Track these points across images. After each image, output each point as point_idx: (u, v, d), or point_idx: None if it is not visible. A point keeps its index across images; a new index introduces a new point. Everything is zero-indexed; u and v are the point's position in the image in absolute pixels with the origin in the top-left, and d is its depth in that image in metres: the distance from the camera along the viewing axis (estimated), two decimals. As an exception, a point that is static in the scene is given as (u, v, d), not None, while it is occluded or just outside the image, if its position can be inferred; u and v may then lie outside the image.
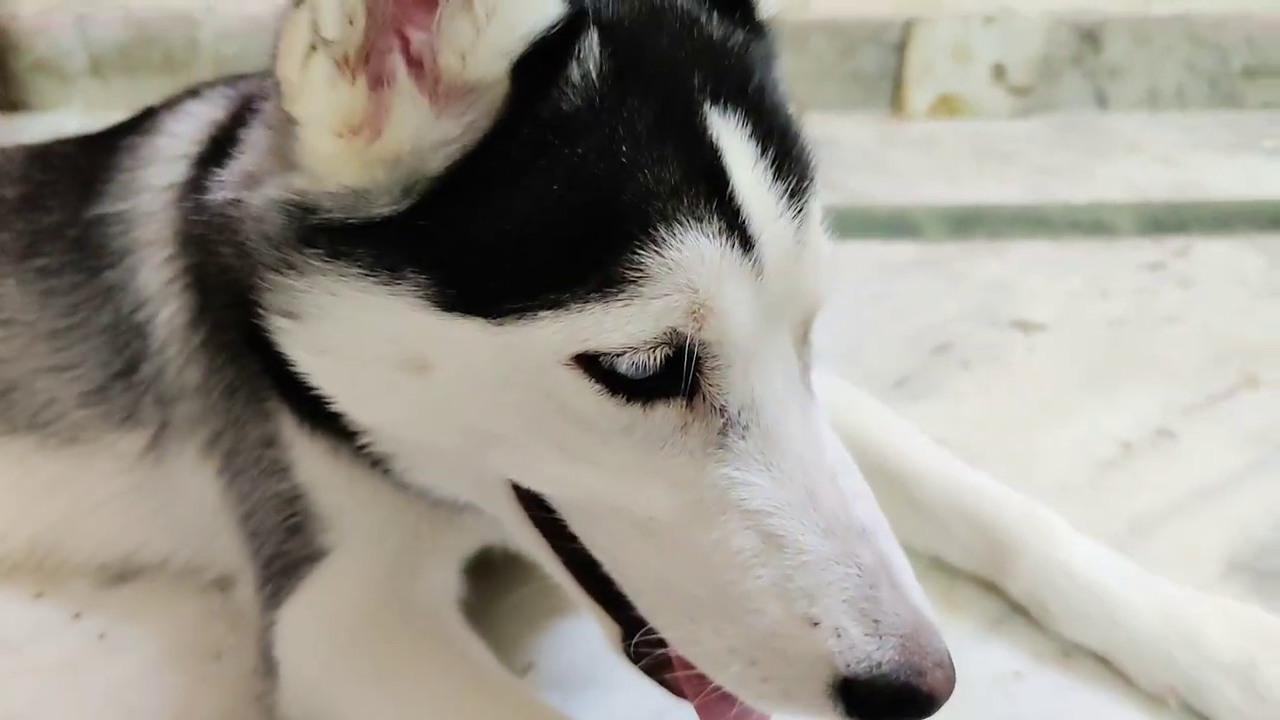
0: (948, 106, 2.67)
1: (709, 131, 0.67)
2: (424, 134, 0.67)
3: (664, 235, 0.63)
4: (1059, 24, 2.62)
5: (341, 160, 0.69)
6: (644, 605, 0.74)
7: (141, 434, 1.11)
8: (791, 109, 0.77)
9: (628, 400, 0.67)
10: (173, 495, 1.13)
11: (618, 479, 0.69)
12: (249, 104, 1.04)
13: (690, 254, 0.63)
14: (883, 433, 1.19)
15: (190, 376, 1.06)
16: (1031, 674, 1.05)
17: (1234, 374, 1.53)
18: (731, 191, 0.66)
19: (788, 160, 0.71)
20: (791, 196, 0.70)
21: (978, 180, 2.30)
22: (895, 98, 2.71)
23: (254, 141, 0.81)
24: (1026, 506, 1.11)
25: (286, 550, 1.00)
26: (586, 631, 1.07)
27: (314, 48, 0.67)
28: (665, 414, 0.68)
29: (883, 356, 1.58)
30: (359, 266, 0.69)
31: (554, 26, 0.66)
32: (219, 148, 1.04)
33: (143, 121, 1.18)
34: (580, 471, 0.70)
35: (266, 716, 1.01)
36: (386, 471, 0.90)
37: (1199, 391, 1.49)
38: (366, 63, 0.68)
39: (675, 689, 0.80)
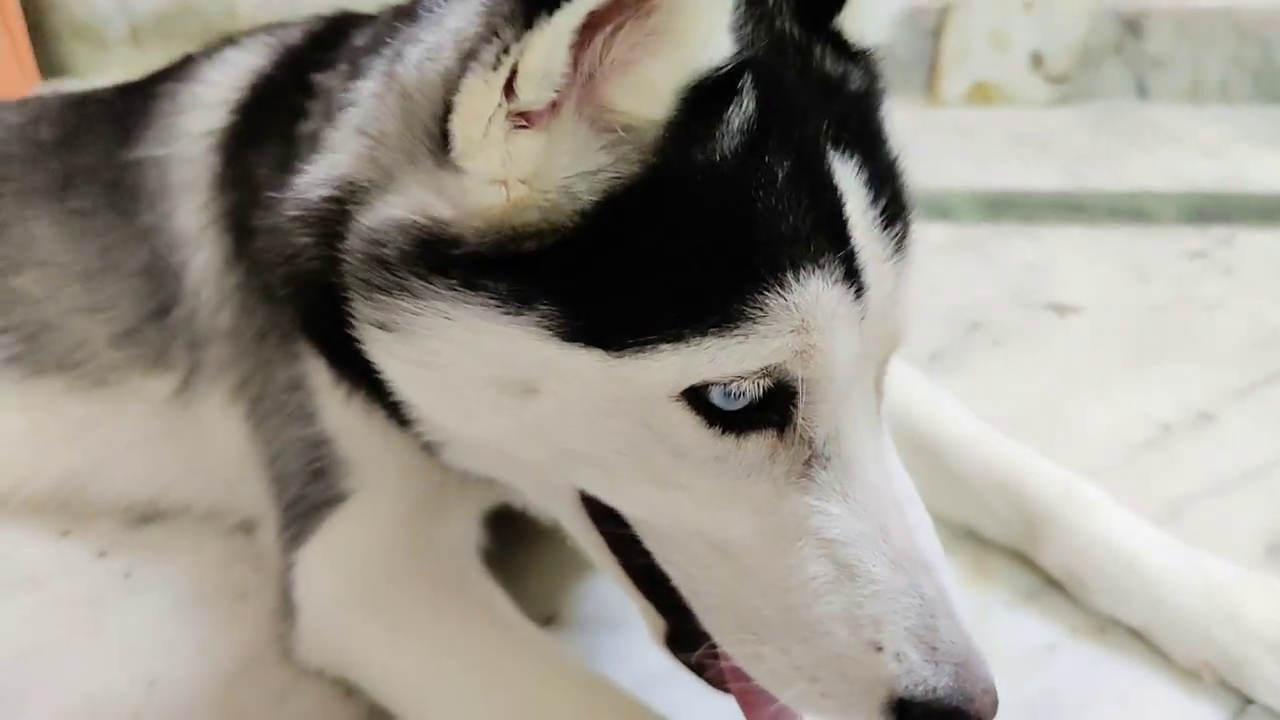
0: (983, 94, 2.64)
1: (833, 179, 0.68)
2: (577, 165, 0.66)
3: (790, 279, 0.64)
4: (1100, 12, 2.57)
5: (499, 206, 0.67)
6: (711, 621, 0.76)
7: (171, 377, 1.11)
8: (896, 147, 0.77)
9: (724, 432, 0.68)
10: (200, 439, 1.13)
11: (701, 504, 0.71)
12: (296, 55, 1.04)
13: (810, 298, 0.65)
14: (921, 401, 1.18)
15: (222, 320, 1.06)
16: (1065, 647, 1.03)
17: (1278, 360, 1.49)
18: (849, 238, 0.67)
19: (896, 205, 0.72)
20: (898, 241, 0.72)
21: (1012, 166, 2.26)
22: (929, 84, 2.68)
23: (350, 147, 0.77)
24: (1065, 478, 1.09)
25: (308, 494, 1.00)
26: (605, 586, 1.07)
27: (500, 106, 0.64)
28: (758, 444, 0.69)
29: (916, 332, 1.54)
30: (489, 295, 0.67)
31: (721, 68, 0.65)
32: (262, 97, 1.04)
33: (181, 69, 1.18)
34: (666, 495, 0.71)
35: (285, 657, 1.01)
36: (428, 452, 0.88)
37: (1241, 376, 1.46)
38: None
39: (717, 683, 0.81)
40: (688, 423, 0.68)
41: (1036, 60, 2.60)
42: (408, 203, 0.70)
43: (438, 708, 0.89)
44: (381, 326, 0.72)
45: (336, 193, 0.75)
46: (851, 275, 0.67)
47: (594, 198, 0.65)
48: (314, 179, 0.78)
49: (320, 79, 0.90)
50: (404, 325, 0.71)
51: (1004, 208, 2.04)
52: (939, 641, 0.68)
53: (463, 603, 0.94)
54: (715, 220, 0.64)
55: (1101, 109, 2.59)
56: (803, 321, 0.65)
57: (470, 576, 0.98)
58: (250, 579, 1.13)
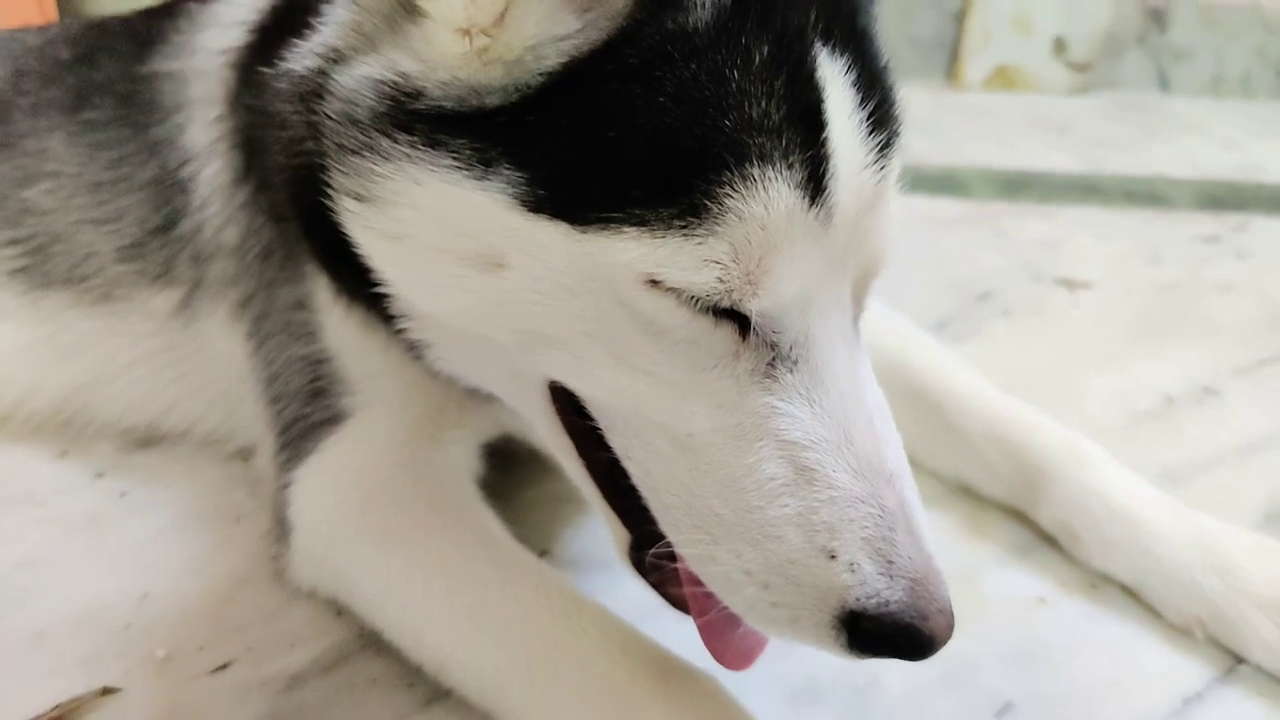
0: (1004, 78, 2.63)
1: (817, 72, 0.66)
2: (546, 28, 0.65)
3: (754, 174, 0.62)
4: (1125, 1, 2.56)
5: (460, 55, 0.67)
6: (667, 520, 0.74)
7: (174, 292, 1.11)
8: (888, 55, 0.75)
9: (701, 312, 0.67)
10: (201, 358, 1.14)
11: (666, 392, 0.69)
12: None
13: (762, 208, 0.63)
14: (923, 357, 1.18)
15: (228, 236, 1.06)
16: (1056, 601, 1.02)
17: (1284, 339, 1.49)
18: (825, 138, 0.65)
19: (883, 112, 0.70)
20: (880, 150, 0.69)
21: (1031, 150, 2.26)
22: (951, 67, 2.67)
23: (339, 18, 0.79)
24: (1064, 434, 1.09)
25: (307, 413, 1.00)
26: (598, 525, 1.06)
27: None
28: (725, 335, 0.68)
29: (925, 299, 1.55)
30: (453, 157, 0.68)
31: None
32: (280, 17, 1.05)
33: (202, -12, 1.18)
34: (632, 380, 0.70)
35: (277, 577, 1.01)
36: (418, 357, 0.89)
37: (1246, 354, 1.45)
38: None
39: (679, 604, 0.80)
40: (662, 299, 0.66)
41: (1059, 46, 2.59)
42: (380, 60, 0.71)
43: (427, 627, 0.89)
44: (357, 197, 0.73)
45: (320, 63, 0.76)
46: (819, 178, 0.65)
47: (561, 60, 0.65)
48: (303, 51, 0.79)
49: None
50: (376, 193, 0.71)
51: (1020, 187, 2.03)
52: (896, 555, 0.66)
53: (456, 525, 0.94)
54: (683, 94, 0.63)
55: (1122, 98, 2.58)
56: (750, 236, 0.63)
57: (465, 500, 0.97)
58: (246, 504, 1.13)
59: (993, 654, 0.95)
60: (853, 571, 0.65)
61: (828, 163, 0.65)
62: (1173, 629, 0.98)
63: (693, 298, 0.65)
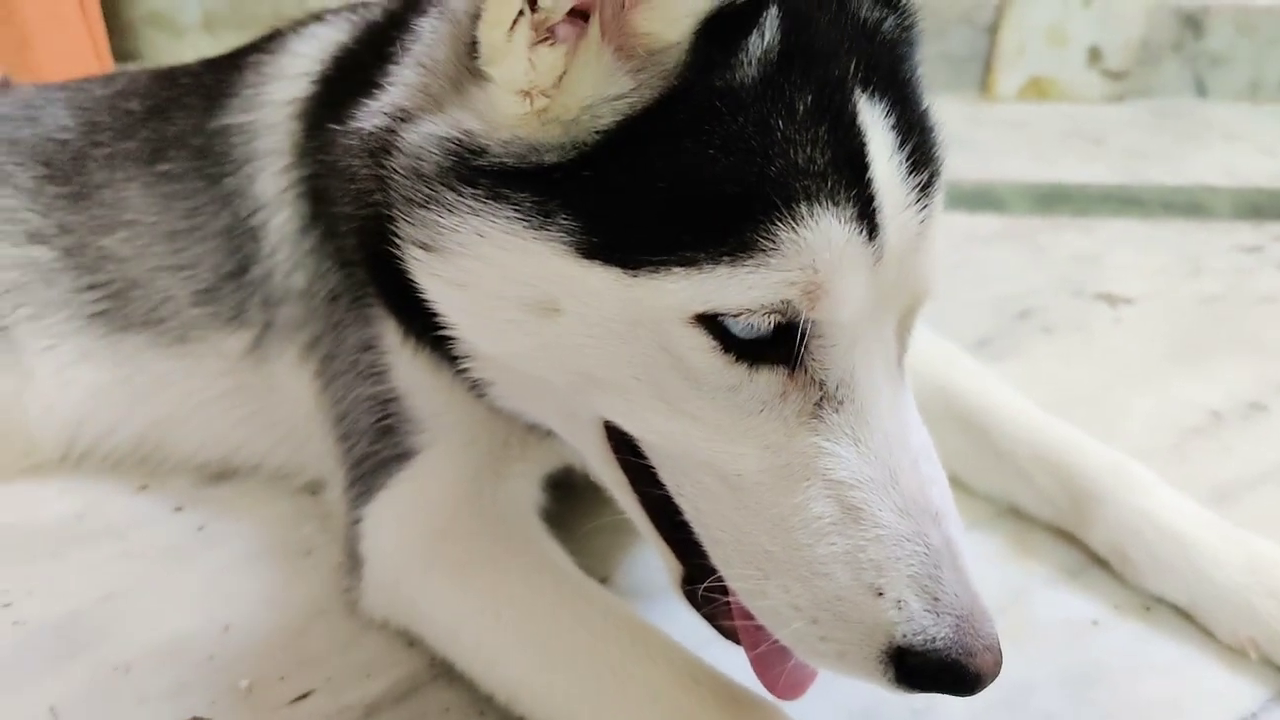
0: (1039, 89, 2.63)
1: (858, 119, 0.69)
2: (602, 89, 0.70)
3: (803, 213, 0.66)
4: (1160, 8, 2.56)
5: (521, 117, 0.72)
6: (718, 555, 0.77)
7: (246, 333, 1.16)
8: (929, 99, 0.78)
9: (737, 359, 0.70)
10: (271, 397, 1.19)
11: (714, 435, 0.73)
12: (376, 31, 1.09)
13: (819, 236, 0.66)
14: (969, 380, 1.20)
15: (296, 280, 1.11)
16: (1109, 623, 1.04)
17: (1333, 354, 1.49)
18: (869, 179, 0.68)
19: (923, 153, 0.73)
20: (922, 189, 0.72)
21: (1067, 162, 2.26)
22: (985, 79, 2.68)
23: (407, 79, 0.83)
24: (1113, 456, 1.10)
25: (377, 450, 1.04)
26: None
27: (521, 14, 0.69)
28: (769, 380, 0.71)
29: (965, 318, 1.57)
30: (514, 209, 0.72)
31: None
32: (343, 68, 1.09)
33: (269, 41, 1.24)
34: (680, 424, 0.74)
35: (350, 610, 1.05)
36: (481, 395, 0.93)
37: (1295, 369, 1.45)
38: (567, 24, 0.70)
39: (731, 635, 0.83)
40: (701, 347, 0.70)
41: (1094, 56, 2.59)
42: (446, 119, 0.76)
43: (498, 657, 0.92)
44: (423, 246, 0.77)
45: (389, 121, 0.81)
46: (868, 216, 0.68)
47: (615, 118, 0.69)
48: (372, 110, 0.83)
49: (396, 48, 0.95)
50: (441, 244, 0.76)
51: (1056, 200, 2.04)
52: (942, 592, 0.68)
53: (524, 557, 0.97)
54: (731, 145, 0.67)
55: (1159, 106, 2.57)
56: (812, 260, 0.66)
57: (531, 532, 1.01)
58: (316, 537, 1.18)
59: (1048, 677, 0.97)
60: (900, 609, 0.67)
61: (873, 202, 0.68)
62: (1227, 650, 0.99)
63: (732, 341, 0.69)
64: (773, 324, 0.68)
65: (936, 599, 0.67)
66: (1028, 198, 2.05)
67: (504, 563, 0.97)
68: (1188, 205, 2.00)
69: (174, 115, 1.22)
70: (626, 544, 1.13)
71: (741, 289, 0.66)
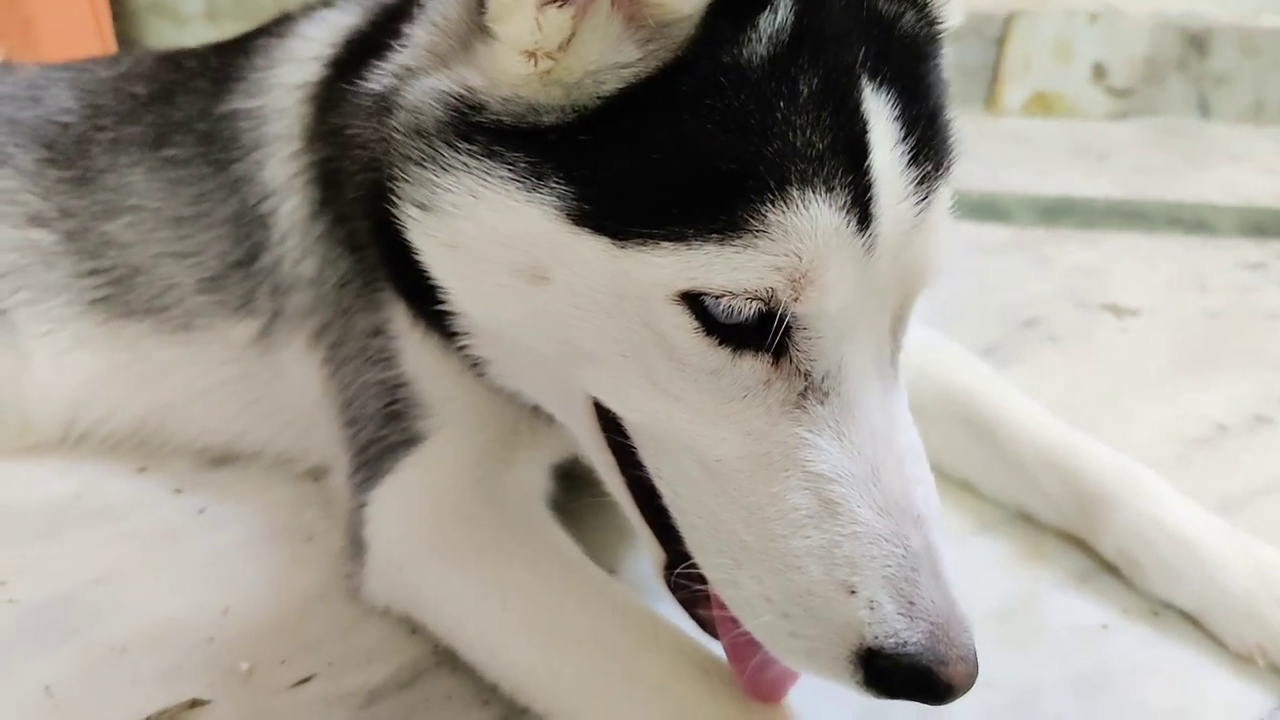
0: (1043, 104, 2.65)
1: (861, 106, 0.68)
2: (608, 56, 0.69)
3: (794, 196, 0.65)
4: (1165, 27, 2.58)
5: (524, 76, 0.71)
6: (693, 541, 0.76)
7: (254, 322, 1.15)
8: (945, 96, 0.77)
9: (720, 343, 0.69)
10: (277, 384, 1.18)
11: (695, 418, 0.72)
12: (389, 11, 1.08)
13: (809, 221, 0.65)
14: (978, 385, 1.20)
15: (306, 268, 1.10)
16: (1118, 628, 1.03)
17: (1338, 369, 1.49)
18: (867, 168, 0.67)
19: (927, 146, 0.71)
20: (921, 182, 0.70)
21: (1071, 176, 2.27)
22: (990, 93, 2.69)
23: (418, 39, 0.83)
24: (1121, 462, 1.10)
25: (383, 435, 1.03)
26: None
27: None
28: (752, 366, 0.70)
29: (971, 327, 1.57)
30: (508, 169, 0.71)
31: None
32: (354, 51, 1.08)
33: (277, 25, 1.23)
34: (663, 404, 0.73)
35: (352, 595, 1.04)
36: (482, 375, 0.92)
37: (1300, 383, 1.46)
38: None
39: (707, 626, 0.82)
40: (684, 327, 0.69)
41: (1099, 72, 2.61)
42: (450, 75, 0.76)
43: (503, 645, 0.91)
44: (420, 206, 0.77)
45: (395, 81, 0.81)
46: (862, 205, 0.67)
47: (618, 85, 0.68)
48: (383, 71, 0.83)
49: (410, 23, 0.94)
50: (436, 203, 0.75)
51: (1061, 213, 2.05)
52: (918, 596, 0.66)
53: (530, 544, 0.96)
54: (730, 122, 0.66)
55: (1162, 124, 2.58)
56: (797, 248, 0.65)
57: (538, 520, 1.00)
58: (317, 523, 1.17)
59: (1057, 681, 0.96)
60: (872, 609, 0.66)
61: (870, 191, 0.67)
62: (1235, 656, 0.99)
63: (715, 323, 0.68)
64: (754, 311, 0.67)
65: (911, 603, 0.66)
66: (1033, 210, 2.06)
67: (510, 550, 0.96)
68: (1192, 221, 2.01)
69: (180, 99, 1.21)
70: (634, 534, 1.12)
71: (728, 269, 0.65)
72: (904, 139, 0.69)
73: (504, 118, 0.72)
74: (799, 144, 0.65)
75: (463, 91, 0.74)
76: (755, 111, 0.66)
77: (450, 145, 0.74)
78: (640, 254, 0.67)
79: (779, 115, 0.66)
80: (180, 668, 0.97)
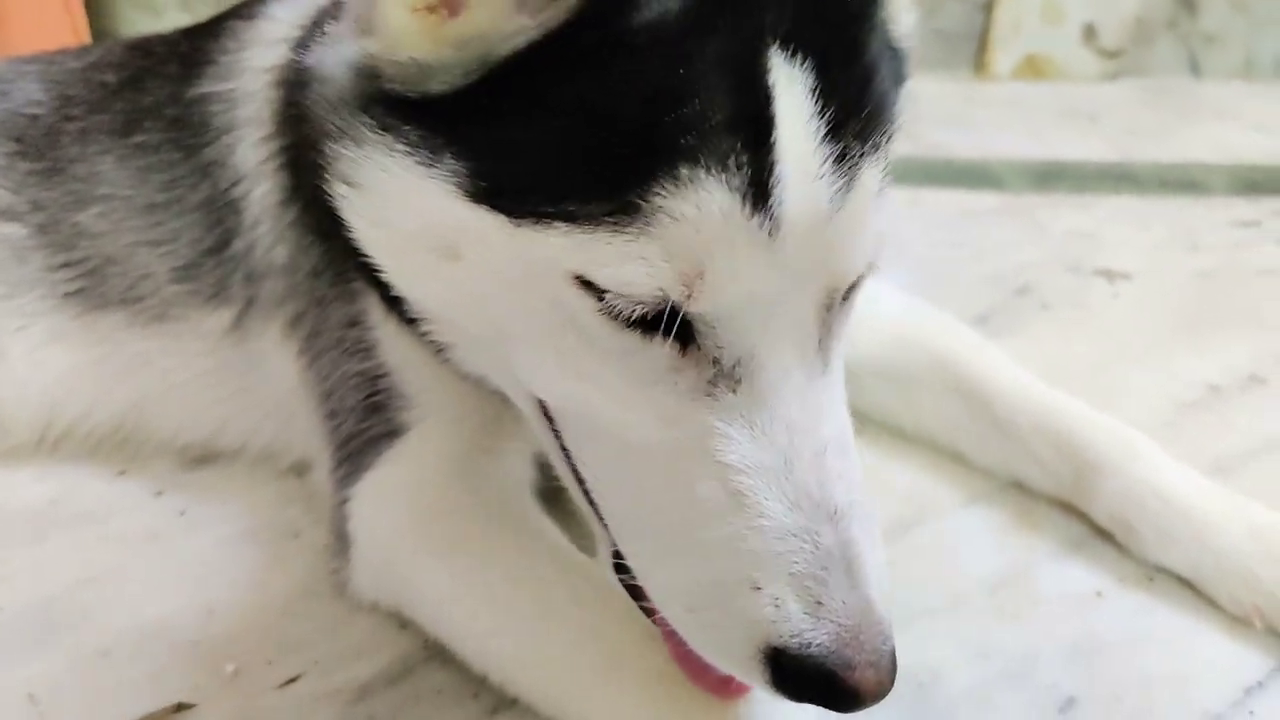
0: (1033, 68, 2.61)
1: (767, 76, 0.62)
2: (499, 23, 0.65)
3: (684, 176, 0.60)
4: (1154, -15, 2.55)
5: (412, 34, 0.68)
6: (614, 528, 0.75)
7: (228, 311, 1.13)
8: (884, 63, 0.70)
9: (627, 326, 0.65)
10: (254, 376, 1.15)
11: (611, 401, 0.69)
12: None
13: (696, 207, 0.60)
14: (970, 353, 1.18)
15: (278, 254, 1.08)
16: (1113, 594, 1.02)
17: (1333, 326, 1.48)
18: (770, 145, 0.61)
19: (850, 120, 0.64)
20: (840, 159, 0.64)
21: (1062, 139, 2.25)
22: (979, 59, 2.66)
23: (348, 7, 0.80)
24: (1114, 427, 1.09)
25: (365, 428, 1.01)
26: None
27: None
28: (660, 351, 0.66)
29: (963, 295, 1.55)
30: (404, 143, 0.69)
31: None
32: (312, 31, 1.06)
33: (247, 7, 1.19)
34: (579, 386, 0.70)
35: (339, 591, 1.02)
36: (446, 360, 0.90)
37: (1295, 341, 1.44)
38: None
39: (652, 617, 0.79)
40: (588, 309, 0.65)
41: (1089, 34, 2.57)
42: (357, 42, 0.73)
43: (491, 637, 0.90)
44: (345, 182, 0.75)
45: (322, 52, 0.79)
46: (761, 185, 0.61)
47: (510, 51, 0.64)
48: (318, 46, 0.82)
49: None
50: (356, 178, 0.73)
51: (1053, 178, 2.02)
52: (826, 596, 0.63)
53: (516, 534, 0.94)
54: (621, 91, 0.61)
55: (1153, 84, 2.56)
56: (688, 236, 0.60)
57: (524, 510, 0.98)
58: (301, 520, 1.15)
59: (1053, 649, 0.95)
60: (776, 607, 0.63)
61: (774, 169, 0.61)
62: (1231, 619, 0.98)
63: (617, 310, 0.64)
64: (644, 313, 0.64)
65: (819, 602, 0.63)
66: (1024, 175, 2.03)
67: (496, 540, 0.94)
68: (1184, 182, 1.99)
69: (149, 85, 1.18)
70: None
71: (616, 260, 0.62)
72: (821, 112, 0.63)
73: (397, 84, 0.69)
74: (693, 116, 0.60)
75: (365, 60, 0.72)
76: (645, 82, 0.61)
77: (359, 118, 0.72)
78: (534, 232, 0.64)
79: (670, 86, 0.60)
80: (165, 671, 0.96)
